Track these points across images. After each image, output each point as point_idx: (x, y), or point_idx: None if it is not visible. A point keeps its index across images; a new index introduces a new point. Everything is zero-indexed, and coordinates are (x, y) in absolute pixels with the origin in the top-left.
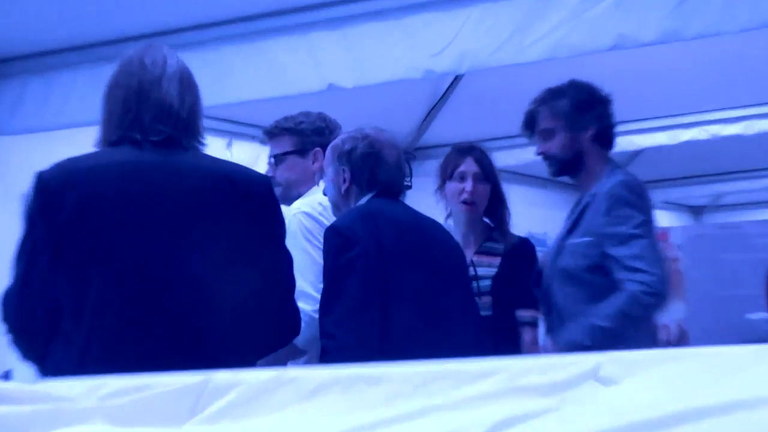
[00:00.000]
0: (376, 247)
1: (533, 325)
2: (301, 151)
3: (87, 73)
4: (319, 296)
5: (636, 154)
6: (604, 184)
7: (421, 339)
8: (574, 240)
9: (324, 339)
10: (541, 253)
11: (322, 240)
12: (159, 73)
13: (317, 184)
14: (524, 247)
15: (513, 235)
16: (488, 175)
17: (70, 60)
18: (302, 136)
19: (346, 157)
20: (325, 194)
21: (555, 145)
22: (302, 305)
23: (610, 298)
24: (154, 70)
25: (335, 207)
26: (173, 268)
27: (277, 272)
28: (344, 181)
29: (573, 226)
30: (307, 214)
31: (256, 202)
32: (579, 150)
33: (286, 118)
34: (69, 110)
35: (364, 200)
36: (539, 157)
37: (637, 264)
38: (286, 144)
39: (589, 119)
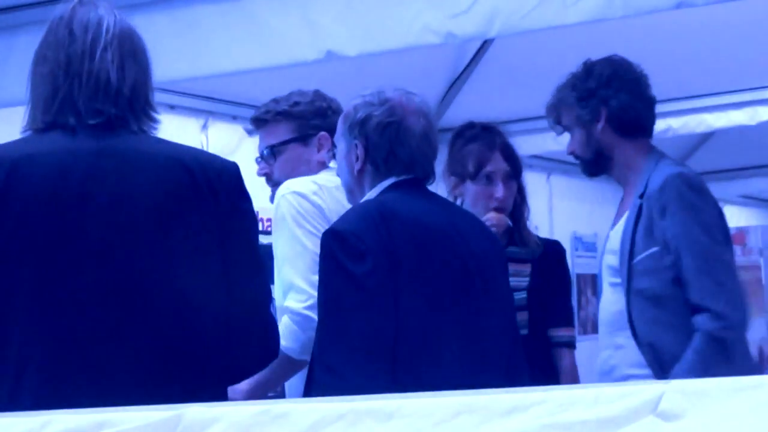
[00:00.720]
0: (388, 259)
1: (571, 346)
2: (303, 138)
3: (27, 38)
4: (313, 291)
5: (706, 138)
6: (654, 181)
7: (444, 372)
8: (641, 255)
9: (321, 372)
10: (591, 259)
11: (318, 226)
12: (91, 39)
13: (327, 168)
14: (556, 252)
15: (534, 236)
16: (517, 170)
17: (7, 22)
18: (302, 119)
19: (359, 127)
20: (339, 175)
21: (576, 144)
22: (292, 303)
23: (687, 350)
24: (85, 37)
25: (350, 192)
26: (119, 279)
27: (249, 281)
28: (357, 158)
29: (633, 240)
30: (298, 193)
31: (221, 195)
32: (597, 146)
33: (276, 101)
34: (5, 84)
35: (378, 190)
36: None
37: (705, 283)
38: (283, 131)
39: (595, 107)
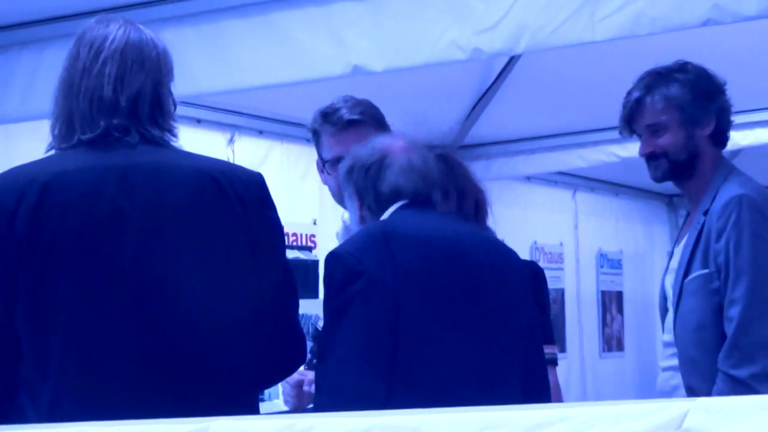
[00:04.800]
0: (387, 279)
1: (554, 363)
2: None
3: (56, 51)
4: None
5: (733, 155)
6: (719, 199)
7: (445, 392)
8: (693, 275)
9: (317, 392)
10: (616, 276)
11: None
12: (92, 56)
13: None
14: (531, 272)
15: None
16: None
17: (36, 35)
18: (382, 126)
19: (347, 176)
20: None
21: (667, 142)
22: None
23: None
24: (87, 55)
25: None
26: (155, 292)
27: (277, 288)
28: (357, 207)
29: (691, 258)
30: None
31: (249, 205)
32: (695, 150)
33: (352, 104)
34: (33, 97)
35: (388, 212)
36: (611, 159)
37: (733, 317)
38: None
39: (709, 113)
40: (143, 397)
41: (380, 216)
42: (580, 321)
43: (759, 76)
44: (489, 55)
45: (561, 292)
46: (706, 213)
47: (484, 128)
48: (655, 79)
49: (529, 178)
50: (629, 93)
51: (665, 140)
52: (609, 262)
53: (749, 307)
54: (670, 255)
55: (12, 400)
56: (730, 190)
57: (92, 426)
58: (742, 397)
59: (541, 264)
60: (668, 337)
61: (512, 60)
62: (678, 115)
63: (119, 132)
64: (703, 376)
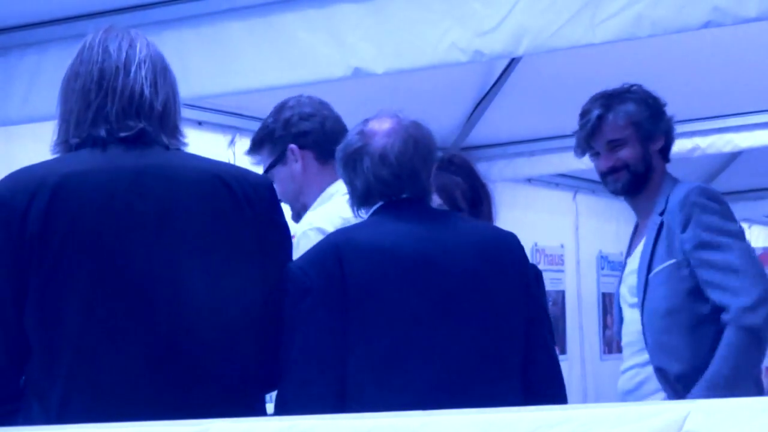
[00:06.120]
0: (334, 293)
1: None
2: (279, 158)
3: (57, 53)
4: None
5: (733, 157)
6: (674, 198)
7: (405, 400)
8: (658, 268)
9: (276, 403)
10: (617, 278)
11: None
12: (125, 57)
13: (320, 188)
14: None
15: None
16: (451, 203)
17: (37, 37)
18: (273, 139)
19: (337, 162)
20: None
21: (628, 155)
22: None
23: (718, 350)
24: (119, 55)
25: None
26: (166, 296)
27: (284, 293)
28: (349, 197)
29: (652, 255)
30: (322, 230)
31: (258, 209)
32: (649, 163)
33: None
34: (35, 99)
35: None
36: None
37: (731, 281)
38: (266, 155)
39: (660, 129)
40: (152, 398)
41: (357, 206)
42: (580, 323)
43: (758, 78)
44: (489, 57)
45: (562, 294)
46: (662, 213)
47: (485, 130)
48: (610, 99)
49: (529, 180)
50: (588, 112)
51: (625, 153)
52: (610, 264)
53: (739, 264)
54: (623, 266)
55: (19, 400)
56: (684, 187)
57: (93, 428)
58: (743, 399)
59: (542, 266)
60: (627, 338)
61: (513, 62)
62: (635, 130)
63: (152, 136)
64: (674, 357)
